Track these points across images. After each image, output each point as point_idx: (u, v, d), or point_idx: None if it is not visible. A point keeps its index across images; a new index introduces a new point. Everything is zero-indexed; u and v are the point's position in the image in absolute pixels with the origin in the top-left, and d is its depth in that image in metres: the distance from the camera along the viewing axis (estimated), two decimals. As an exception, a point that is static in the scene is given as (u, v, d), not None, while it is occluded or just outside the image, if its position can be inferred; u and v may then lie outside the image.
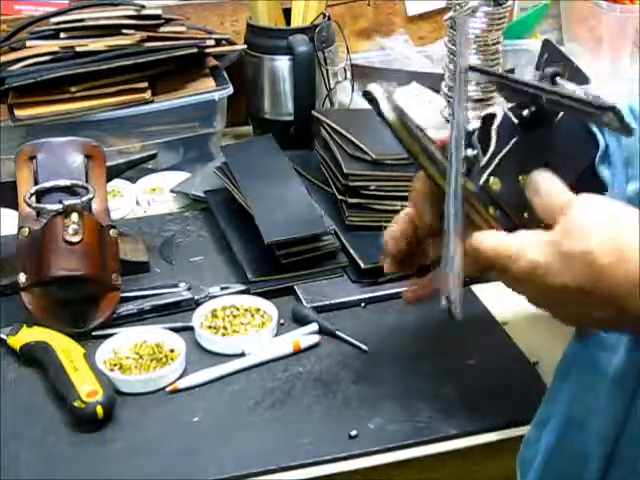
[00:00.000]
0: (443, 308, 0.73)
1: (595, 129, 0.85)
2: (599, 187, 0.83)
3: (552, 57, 1.56)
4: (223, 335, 1.02)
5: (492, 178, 0.80)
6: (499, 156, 0.81)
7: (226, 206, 1.24)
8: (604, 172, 0.84)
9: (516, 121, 0.82)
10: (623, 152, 0.84)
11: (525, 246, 0.71)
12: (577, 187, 0.73)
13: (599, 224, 0.68)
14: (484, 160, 0.81)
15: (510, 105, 0.84)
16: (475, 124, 0.84)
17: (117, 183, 1.31)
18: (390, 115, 0.77)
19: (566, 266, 0.68)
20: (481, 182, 0.80)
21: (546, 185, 0.74)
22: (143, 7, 1.36)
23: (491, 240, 0.74)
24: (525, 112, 0.81)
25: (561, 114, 0.82)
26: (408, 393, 0.94)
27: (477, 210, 0.79)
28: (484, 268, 0.75)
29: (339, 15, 1.56)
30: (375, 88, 0.77)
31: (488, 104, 1.35)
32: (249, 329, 1.03)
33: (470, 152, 0.81)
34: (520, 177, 0.79)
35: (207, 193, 1.29)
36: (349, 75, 1.47)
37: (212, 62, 1.43)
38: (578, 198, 0.71)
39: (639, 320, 0.68)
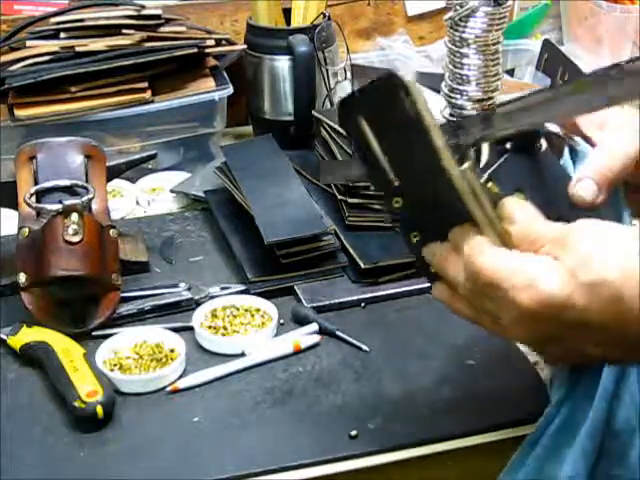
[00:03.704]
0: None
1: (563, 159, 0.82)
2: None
3: (552, 57, 1.56)
4: (223, 335, 1.02)
5: (490, 183, 0.75)
6: (492, 167, 0.77)
7: (226, 206, 1.24)
8: None
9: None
10: None
11: (540, 272, 0.64)
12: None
13: (615, 251, 0.62)
14: (478, 170, 0.76)
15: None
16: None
17: (117, 183, 1.31)
18: (427, 116, 0.68)
19: (590, 299, 0.62)
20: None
21: (521, 214, 0.68)
22: (143, 7, 1.36)
23: (497, 258, 0.66)
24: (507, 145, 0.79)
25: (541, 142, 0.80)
26: (408, 393, 0.94)
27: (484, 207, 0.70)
28: (476, 293, 0.69)
29: (339, 15, 1.56)
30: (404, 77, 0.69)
31: (488, 104, 1.35)
32: (249, 329, 1.03)
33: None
34: (515, 194, 0.75)
35: (207, 193, 1.29)
36: (349, 75, 1.47)
37: (212, 62, 1.43)
38: (579, 226, 0.66)
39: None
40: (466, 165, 0.69)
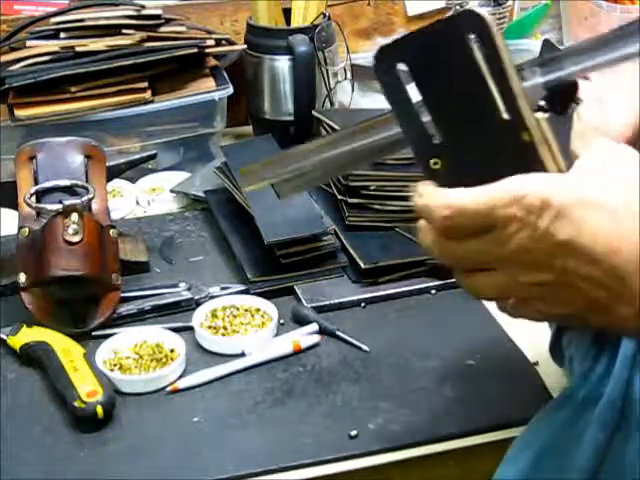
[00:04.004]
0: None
1: None
2: None
3: (552, 57, 1.56)
4: (223, 335, 1.02)
5: None
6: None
7: (226, 206, 1.24)
8: None
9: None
10: None
11: (533, 182, 0.61)
12: None
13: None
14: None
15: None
16: None
17: (117, 183, 1.31)
18: (507, 57, 0.62)
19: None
20: None
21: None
22: (143, 7, 1.36)
23: (474, 192, 0.63)
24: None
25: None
26: (408, 393, 0.94)
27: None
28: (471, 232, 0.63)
29: (339, 15, 1.56)
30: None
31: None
32: (249, 329, 1.03)
33: None
34: None
35: (207, 193, 1.29)
36: (349, 75, 1.47)
37: (212, 62, 1.43)
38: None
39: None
40: (541, 115, 0.64)
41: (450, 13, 1.31)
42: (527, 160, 0.63)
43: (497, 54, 0.62)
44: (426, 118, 0.66)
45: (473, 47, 0.62)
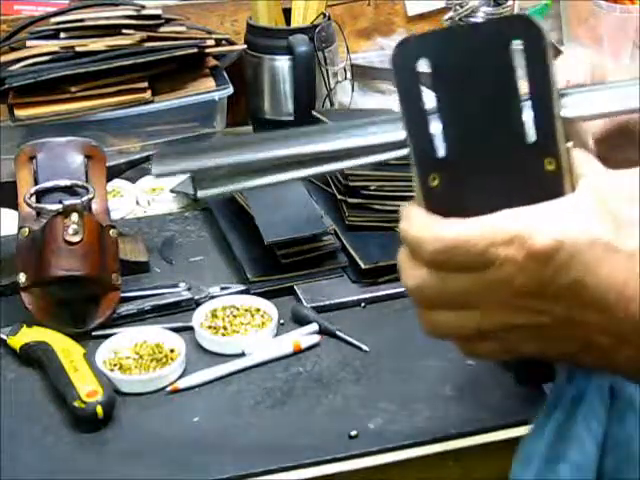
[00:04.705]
0: None
1: None
2: None
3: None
4: (223, 335, 1.02)
5: None
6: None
7: (226, 206, 1.24)
8: None
9: None
10: None
11: (539, 218, 0.54)
12: None
13: None
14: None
15: None
16: None
17: (117, 183, 1.31)
18: (555, 84, 0.57)
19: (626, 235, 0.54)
20: None
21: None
22: (143, 7, 1.36)
23: (472, 223, 0.55)
24: None
25: None
26: (408, 393, 0.94)
27: None
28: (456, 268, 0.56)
29: (339, 15, 1.56)
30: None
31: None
32: (249, 329, 1.03)
33: None
34: None
35: (207, 193, 1.29)
36: (349, 75, 1.47)
37: (212, 62, 1.43)
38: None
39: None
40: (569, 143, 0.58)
41: (450, 14, 1.31)
42: (545, 191, 0.56)
43: (546, 70, 0.56)
44: (435, 128, 0.59)
45: (515, 56, 0.56)
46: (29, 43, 1.34)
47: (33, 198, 1.09)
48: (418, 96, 0.58)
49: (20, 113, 1.30)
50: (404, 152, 0.61)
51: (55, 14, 1.37)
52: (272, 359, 0.99)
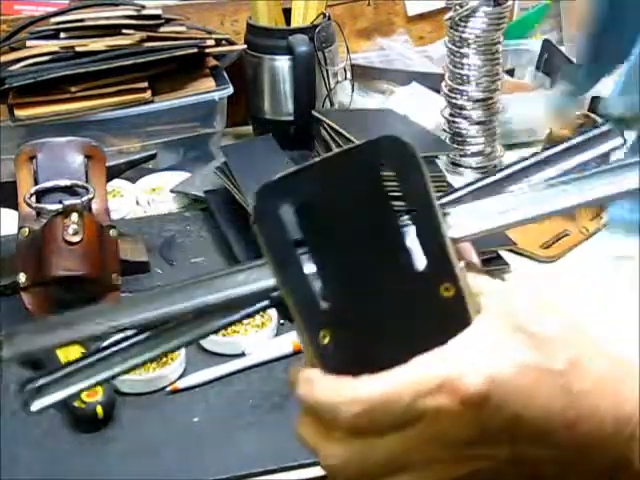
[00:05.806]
0: None
1: None
2: None
3: (552, 57, 1.56)
4: (223, 335, 1.02)
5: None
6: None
7: (226, 206, 1.24)
8: None
9: None
10: None
11: (461, 357, 0.48)
12: None
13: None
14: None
15: None
16: None
17: (117, 183, 1.31)
18: (438, 204, 0.51)
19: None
20: None
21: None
22: (143, 7, 1.36)
23: (389, 377, 0.48)
24: None
25: None
26: (408, 393, 0.94)
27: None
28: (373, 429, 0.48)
29: (339, 15, 1.56)
30: None
31: (489, 104, 1.35)
32: (249, 329, 1.03)
33: None
34: None
35: (207, 193, 1.29)
36: (349, 75, 1.47)
37: (212, 62, 1.43)
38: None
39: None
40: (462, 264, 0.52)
41: (450, 14, 1.31)
42: (449, 319, 0.50)
43: (425, 189, 0.51)
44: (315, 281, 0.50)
45: (385, 182, 0.51)
46: (29, 43, 1.34)
47: (33, 198, 1.09)
48: (288, 246, 0.50)
49: (20, 113, 1.30)
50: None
51: (55, 14, 1.37)
52: (272, 359, 0.99)
